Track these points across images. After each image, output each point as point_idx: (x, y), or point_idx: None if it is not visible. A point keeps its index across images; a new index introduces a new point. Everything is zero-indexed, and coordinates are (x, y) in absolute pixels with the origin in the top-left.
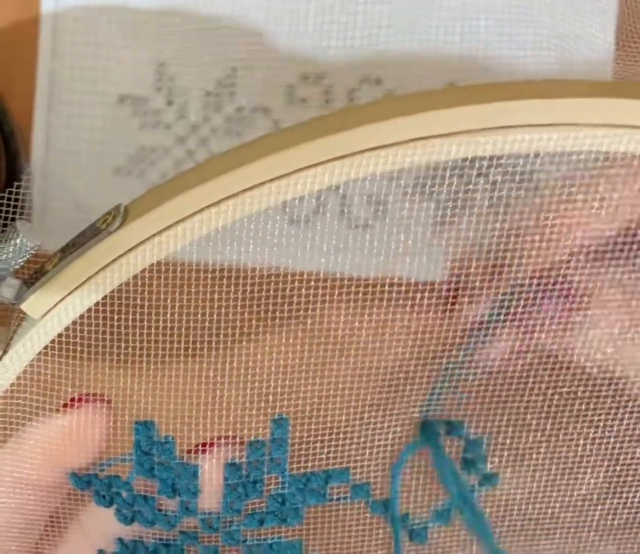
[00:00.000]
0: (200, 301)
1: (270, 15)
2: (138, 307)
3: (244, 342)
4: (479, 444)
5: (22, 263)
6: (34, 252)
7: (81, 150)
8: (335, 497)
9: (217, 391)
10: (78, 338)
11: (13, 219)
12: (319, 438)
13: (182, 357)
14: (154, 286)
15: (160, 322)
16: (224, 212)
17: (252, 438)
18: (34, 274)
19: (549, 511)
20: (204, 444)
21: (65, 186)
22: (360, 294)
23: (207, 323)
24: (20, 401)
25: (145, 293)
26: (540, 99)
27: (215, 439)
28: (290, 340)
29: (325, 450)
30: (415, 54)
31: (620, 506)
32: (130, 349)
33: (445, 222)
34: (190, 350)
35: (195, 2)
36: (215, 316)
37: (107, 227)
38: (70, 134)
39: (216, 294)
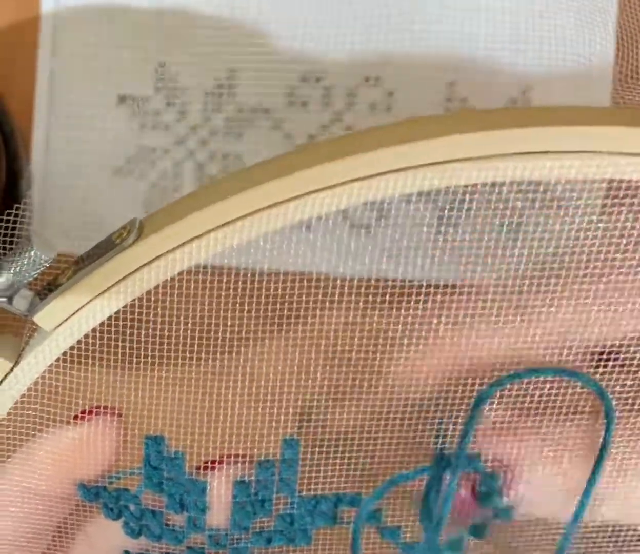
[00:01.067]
0: (213, 318)
1: (270, 15)
2: (151, 322)
3: (256, 360)
4: (494, 478)
5: (35, 275)
6: (48, 265)
7: (81, 150)
8: (345, 521)
9: (228, 408)
10: (90, 351)
11: (15, 226)
12: (331, 461)
13: (193, 373)
14: (167, 301)
15: (173, 337)
16: (239, 231)
17: (262, 457)
18: (47, 286)
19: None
20: (213, 461)
21: (65, 186)
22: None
23: (219, 339)
24: (30, 411)
25: (159, 308)
26: (562, 126)
27: (225, 456)
28: (304, 360)
29: (337, 474)
30: (415, 54)
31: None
32: (141, 363)
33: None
34: (202, 366)
35: (195, 2)
36: (228, 333)
37: (122, 241)
38: (70, 134)
39: (230, 311)
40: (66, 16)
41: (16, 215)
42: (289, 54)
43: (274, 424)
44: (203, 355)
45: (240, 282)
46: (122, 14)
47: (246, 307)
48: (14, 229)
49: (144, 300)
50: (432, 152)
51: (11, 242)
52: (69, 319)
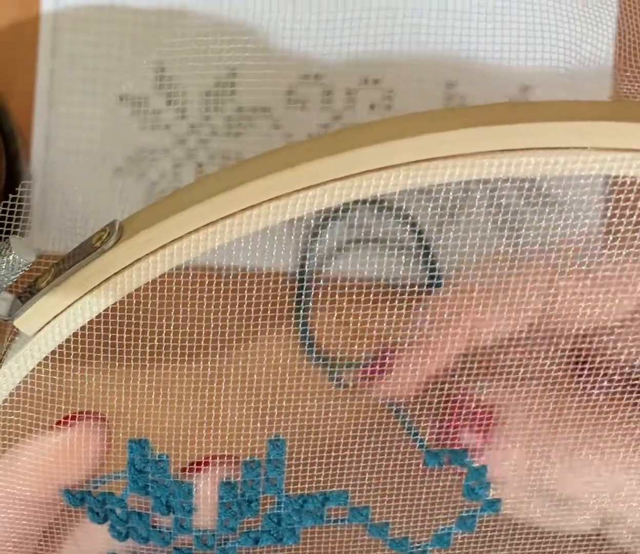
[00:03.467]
0: (196, 320)
1: (270, 15)
2: (132, 325)
3: (240, 361)
4: (481, 472)
5: (15, 279)
6: (27, 269)
7: (81, 150)
8: (332, 519)
9: (212, 410)
10: (72, 355)
11: (9, 225)
12: (317, 459)
13: (177, 375)
14: (149, 302)
15: (155, 340)
16: (220, 232)
17: (248, 458)
18: (28, 289)
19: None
20: (198, 463)
21: (65, 186)
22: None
23: (202, 341)
24: (13, 417)
25: (140, 311)
26: (547, 122)
27: (210, 457)
28: (288, 358)
29: (323, 472)
30: (415, 55)
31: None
32: (124, 366)
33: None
34: (185, 368)
35: (195, 2)
36: (211, 334)
37: (102, 244)
38: (70, 134)
39: (212, 312)
40: (66, 16)
41: (17, 213)
42: (288, 54)
43: (259, 424)
44: (186, 356)
45: (222, 282)
46: (122, 14)
47: (229, 308)
48: (11, 226)
49: (126, 303)
50: (414, 150)
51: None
52: (50, 324)
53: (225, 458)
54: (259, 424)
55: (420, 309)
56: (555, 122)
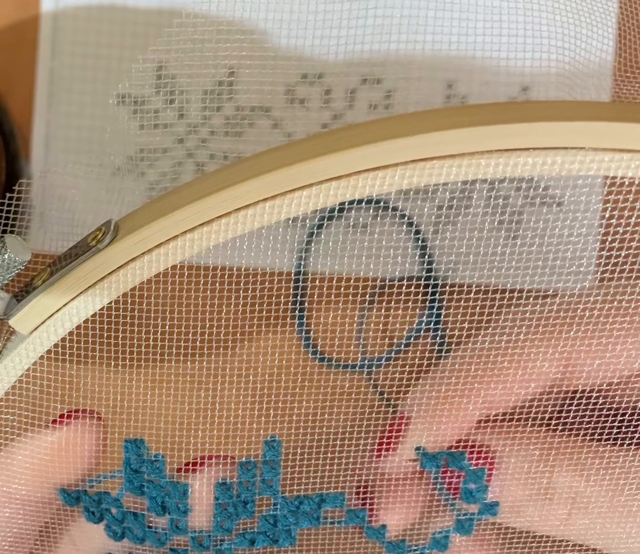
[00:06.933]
0: (191, 320)
1: (270, 15)
2: (128, 325)
3: (236, 362)
4: (479, 475)
5: (10, 278)
6: (23, 268)
7: (81, 150)
8: (329, 520)
9: (208, 410)
10: (68, 354)
11: (6, 224)
12: (313, 461)
13: (173, 374)
14: (144, 303)
15: (151, 339)
16: (216, 231)
17: (244, 459)
18: (24, 288)
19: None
20: (194, 463)
21: (65, 185)
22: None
23: (198, 342)
24: (9, 415)
25: (135, 311)
26: (544, 121)
27: (206, 458)
28: (284, 360)
29: (319, 474)
30: (415, 55)
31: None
32: (120, 365)
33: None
34: (182, 367)
35: (195, 2)
36: (206, 335)
37: (97, 243)
38: (70, 134)
39: (207, 312)
40: (66, 16)
41: (15, 212)
42: (288, 54)
43: (255, 424)
44: (182, 356)
45: (217, 281)
46: (122, 14)
47: (224, 306)
48: (8, 225)
49: (121, 302)
50: (411, 149)
51: None
52: (45, 323)
53: (221, 458)
54: (254, 425)
55: (431, 378)
56: (553, 122)
